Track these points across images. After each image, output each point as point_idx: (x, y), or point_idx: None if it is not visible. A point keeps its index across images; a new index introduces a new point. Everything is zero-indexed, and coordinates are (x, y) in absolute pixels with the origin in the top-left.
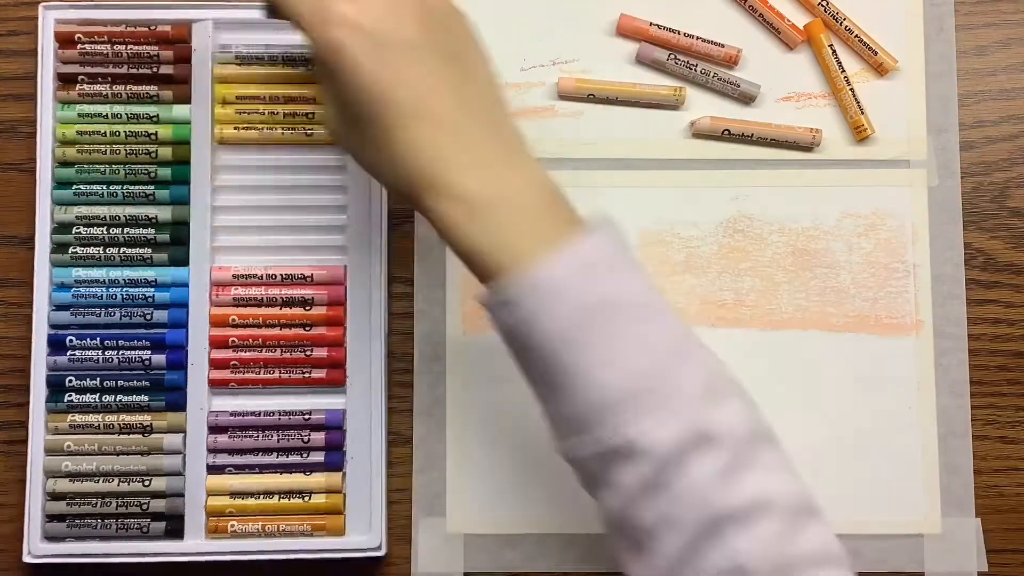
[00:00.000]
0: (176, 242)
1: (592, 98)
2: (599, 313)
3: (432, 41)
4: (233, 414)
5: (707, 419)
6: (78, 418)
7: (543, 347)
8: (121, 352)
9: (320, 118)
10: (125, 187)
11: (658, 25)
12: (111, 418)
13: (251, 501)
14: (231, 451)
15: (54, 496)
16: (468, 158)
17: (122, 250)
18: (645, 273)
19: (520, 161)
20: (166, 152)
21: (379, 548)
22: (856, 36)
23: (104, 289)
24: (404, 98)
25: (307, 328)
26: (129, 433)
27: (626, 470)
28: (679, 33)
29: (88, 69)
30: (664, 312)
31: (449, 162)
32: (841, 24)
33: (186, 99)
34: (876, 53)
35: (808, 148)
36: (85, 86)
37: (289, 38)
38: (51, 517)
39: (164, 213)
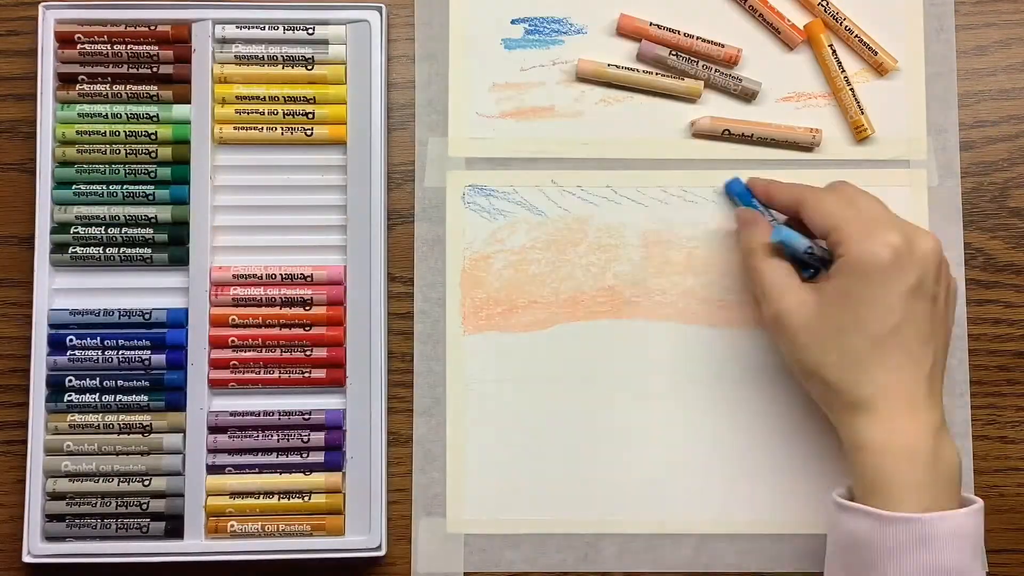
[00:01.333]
0: (176, 242)
1: (609, 85)
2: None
3: (937, 297)
4: (233, 414)
5: None
6: (78, 418)
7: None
8: (121, 352)
9: (762, 299)
10: (125, 187)
11: (658, 25)
12: (111, 418)
13: (251, 501)
14: (231, 451)
15: (54, 496)
16: (920, 405)
17: (122, 250)
18: (982, 557)
19: (946, 431)
20: (166, 152)
21: (379, 548)
22: (856, 36)
23: None
24: (907, 331)
25: (307, 328)
26: (129, 433)
27: None
28: (679, 33)
29: (88, 69)
30: None
31: (904, 398)
32: (841, 24)
33: (186, 99)
34: (876, 53)
35: (808, 148)
36: (85, 86)
37: (289, 38)
38: (51, 517)
39: (164, 213)
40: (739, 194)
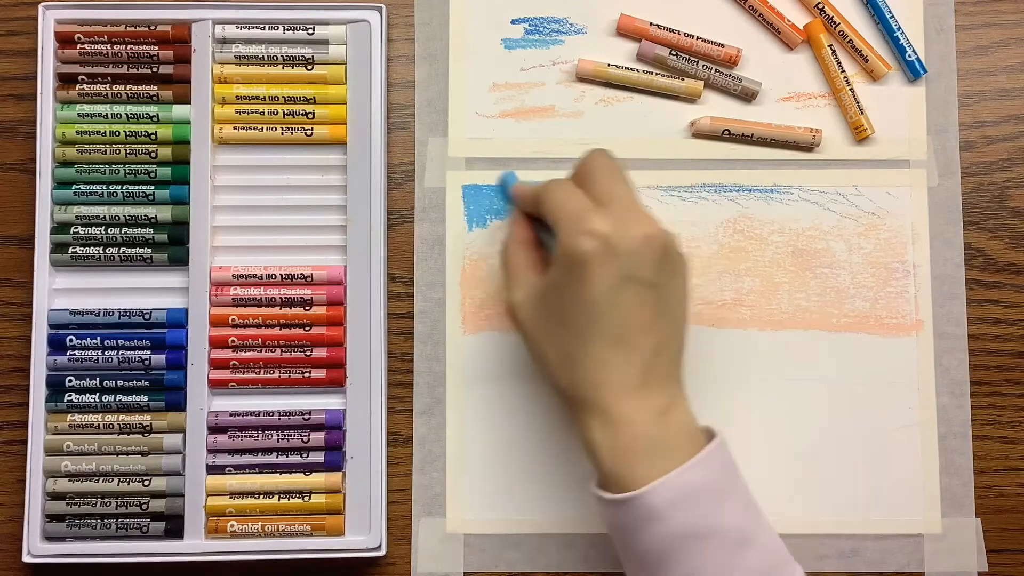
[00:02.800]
0: (176, 242)
1: (609, 85)
2: (692, 539)
3: (659, 283)
4: (233, 414)
5: None
6: (78, 418)
7: (639, 556)
8: (121, 352)
9: (503, 291)
10: (125, 187)
11: (658, 25)
12: (111, 418)
13: (251, 501)
14: (231, 451)
15: (54, 496)
16: (637, 394)
17: (122, 250)
18: (745, 498)
19: (675, 406)
20: (166, 152)
21: (379, 548)
22: (850, 41)
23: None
24: (616, 323)
25: (307, 328)
26: (129, 433)
27: None
28: (679, 33)
29: (88, 69)
30: (754, 542)
31: (618, 391)
32: (836, 28)
33: (186, 99)
34: (867, 60)
35: (808, 148)
36: (85, 86)
37: (289, 38)
38: (51, 517)
39: (164, 213)
40: (508, 192)
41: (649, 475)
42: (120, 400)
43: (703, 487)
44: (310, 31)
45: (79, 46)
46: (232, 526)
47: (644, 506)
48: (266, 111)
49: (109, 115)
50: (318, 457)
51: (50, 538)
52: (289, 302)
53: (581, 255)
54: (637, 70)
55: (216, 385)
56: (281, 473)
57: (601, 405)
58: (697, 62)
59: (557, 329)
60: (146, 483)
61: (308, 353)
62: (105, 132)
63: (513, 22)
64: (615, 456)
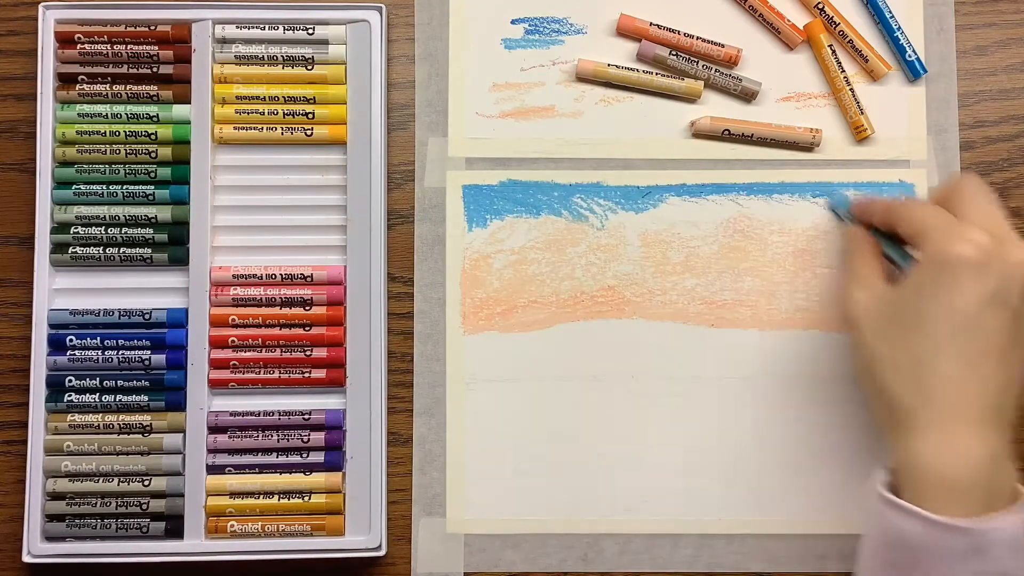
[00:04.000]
0: (176, 242)
1: (609, 85)
2: None
3: (1020, 313)
4: (233, 414)
5: None
6: (78, 418)
7: None
8: (121, 352)
9: (840, 288)
10: (125, 187)
11: (658, 25)
12: (111, 418)
13: (251, 501)
14: (231, 451)
15: (54, 496)
16: (982, 424)
17: (122, 250)
18: None
19: (1005, 442)
20: (166, 152)
21: (379, 548)
22: (850, 41)
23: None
24: (980, 343)
25: (307, 328)
26: (129, 433)
27: None
28: (679, 33)
29: (88, 69)
30: None
31: (969, 416)
32: (836, 28)
33: (186, 99)
34: (867, 60)
35: (808, 148)
36: (85, 86)
37: (289, 38)
38: (51, 517)
39: (164, 213)
40: (841, 212)
41: (979, 511)
42: (120, 400)
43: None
44: (310, 31)
45: (79, 46)
46: (232, 526)
47: (980, 540)
48: (266, 111)
49: (109, 115)
50: (318, 457)
51: (50, 538)
52: (289, 302)
53: (956, 259)
54: (637, 70)
55: (216, 385)
56: (281, 473)
57: (938, 424)
58: (697, 62)
59: (906, 334)
60: (146, 483)
61: (308, 353)
62: (105, 132)
63: (513, 22)
64: (942, 480)
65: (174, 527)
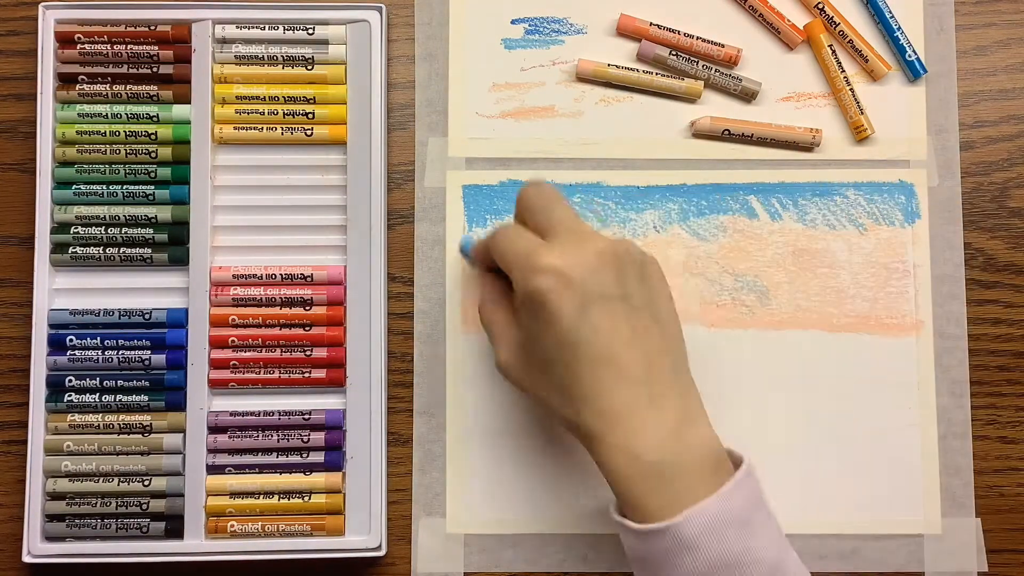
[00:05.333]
0: (176, 242)
1: (609, 85)
2: (725, 569)
3: (628, 294)
4: (233, 414)
5: None
6: (78, 418)
7: None
8: (121, 352)
9: (495, 352)
10: (125, 187)
11: (658, 25)
12: (111, 418)
13: (251, 501)
14: (231, 451)
15: (54, 496)
16: (645, 413)
17: (122, 250)
18: (775, 526)
19: (693, 420)
20: (166, 152)
21: (379, 548)
22: (850, 41)
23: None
24: (596, 346)
25: (307, 328)
26: (129, 433)
27: None
28: (679, 33)
29: (88, 69)
30: (784, 572)
31: (625, 415)
32: (836, 28)
33: (186, 99)
34: (867, 60)
35: (808, 148)
36: (85, 86)
37: (289, 38)
38: (51, 517)
39: (164, 213)
40: (467, 255)
41: (674, 503)
42: (120, 400)
43: (736, 516)
44: (310, 31)
45: (79, 46)
46: (232, 526)
47: (675, 537)
48: (266, 111)
49: (109, 115)
50: (318, 457)
51: (50, 538)
52: (289, 302)
53: (538, 294)
54: (637, 70)
55: (216, 385)
56: (281, 473)
57: (612, 432)
58: (697, 62)
59: (547, 372)
60: (146, 483)
61: (308, 353)
62: (105, 132)
63: (513, 22)
64: (636, 483)
65: (174, 527)
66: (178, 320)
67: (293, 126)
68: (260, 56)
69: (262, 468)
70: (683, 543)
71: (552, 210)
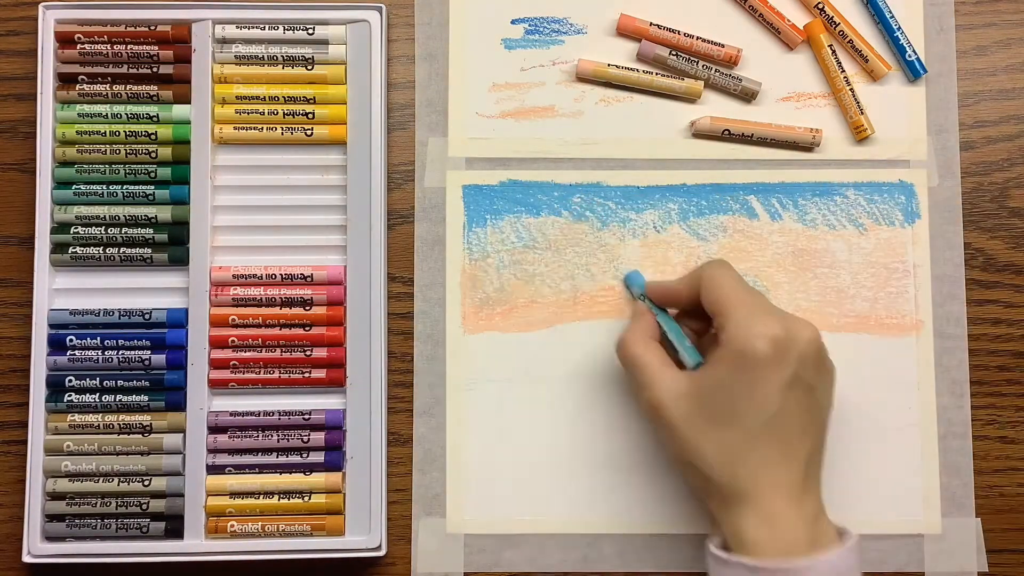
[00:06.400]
0: (176, 242)
1: (609, 85)
2: None
3: (815, 387)
4: (233, 414)
5: None
6: (78, 418)
7: None
8: (121, 352)
9: (644, 388)
10: (125, 187)
11: (658, 25)
12: (111, 418)
13: (251, 501)
14: (231, 451)
15: (54, 496)
16: (797, 495)
17: (122, 250)
18: None
19: (820, 502)
20: (166, 152)
21: (379, 548)
22: (850, 41)
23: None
24: (785, 425)
25: (307, 328)
26: (129, 433)
27: None
28: (679, 33)
29: (88, 69)
30: None
31: (783, 492)
32: (836, 28)
33: (186, 99)
34: (867, 60)
35: (808, 148)
36: (85, 86)
37: (289, 38)
38: (51, 517)
39: (164, 213)
40: (635, 286)
41: (796, 554)
42: (120, 400)
43: (847, 572)
44: (310, 31)
45: (79, 46)
46: (232, 526)
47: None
48: (266, 111)
49: (109, 115)
50: (318, 457)
51: (50, 538)
52: (289, 302)
53: (757, 354)
54: (637, 70)
55: (216, 385)
56: (281, 473)
57: (762, 503)
58: (697, 62)
59: (718, 426)
60: (146, 483)
61: (308, 353)
62: (105, 132)
63: (513, 22)
64: (771, 550)
65: (174, 527)
66: (178, 320)
67: (293, 126)
68: (260, 56)
69: (262, 468)
70: None
71: (758, 293)
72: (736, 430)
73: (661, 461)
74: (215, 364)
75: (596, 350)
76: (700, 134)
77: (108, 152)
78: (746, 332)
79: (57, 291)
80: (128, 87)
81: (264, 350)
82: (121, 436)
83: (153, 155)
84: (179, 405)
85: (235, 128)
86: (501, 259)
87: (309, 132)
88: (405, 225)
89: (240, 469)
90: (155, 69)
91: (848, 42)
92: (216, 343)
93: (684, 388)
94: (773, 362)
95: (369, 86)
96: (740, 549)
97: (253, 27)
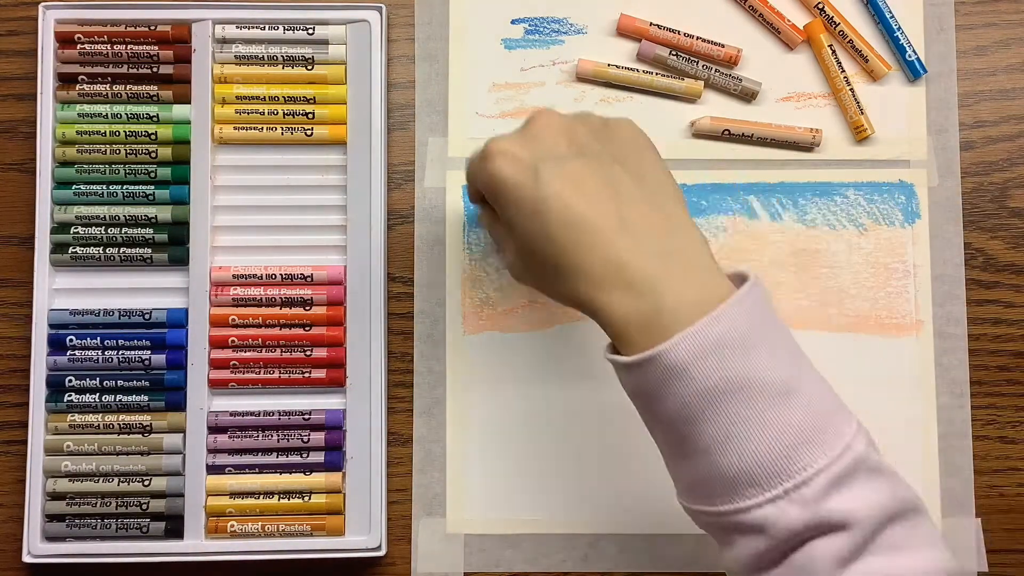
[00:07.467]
0: (176, 242)
1: (609, 85)
2: (724, 396)
3: (585, 152)
4: (233, 414)
5: (831, 507)
6: (78, 418)
7: (666, 422)
8: (121, 352)
9: (503, 264)
10: (125, 187)
11: (658, 25)
12: (111, 418)
13: (251, 501)
14: (231, 451)
15: (54, 496)
16: (633, 265)
17: (122, 250)
18: (783, 345)
19: (694, 263)
20: (166, 152)
21: (379, 548)
22: (850, 42)
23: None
24: (561, 208)
25: (307, 328)
26: (129, 433)
27: (744, 542)
28: (679, 33)
29: (88, 69)
30: (799, 391)
31: (611, 272)
32: (836, 28)
33: (186, 99)
34: (867, 60)
35: (808, 148)
36: (85, 86)
37: (289, 38)
38: (51, 517)
39: (164, 213)
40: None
41: (666, 333)
42: (120, 400)
43: (730, 337)
44: (310, 31)
45: (79, 46)
46: (232, 526)
47: (665, 364)
48: (266, 111)
49: (109, 115)
50: (318, 457)
51: (50, 538)
52: (289, 302)
53: (494, 178)
54: (637, 70)
55: (216, 385)
56: (281, 473)
57: (603, 290)
58: (697, 62)
59: (537, 256)
60: (146, 483)
61: (308, 353)
62: (105, 132)
63: (513, 22)
64: (631, 324)
65: (174, 527)
66: (178, 320)
67: (293, 126)
68: (260, 56)
69: (262, 468)
70: (673, 371)
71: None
72: (540, 247)
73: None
74: (215, 364)
75: (596, 350)
76: (700, 134)
77: (108, 152)
78: (479, 169)
79: (57, 291)
80: (128, 87)
81: (264, 350)
82: (121, 436)
83: (153, 155)
84: (179, 405)
85: (235, 128)
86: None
87: (309, 132)
88: (405, 225)
89: (240, 469)
90: (155, 69)
91: (848, 42)
92: (216, 343)
93: (514, 247)
94: (507, 169)
95: (369, 86)
96: (616, 335)
97: (253, 27)
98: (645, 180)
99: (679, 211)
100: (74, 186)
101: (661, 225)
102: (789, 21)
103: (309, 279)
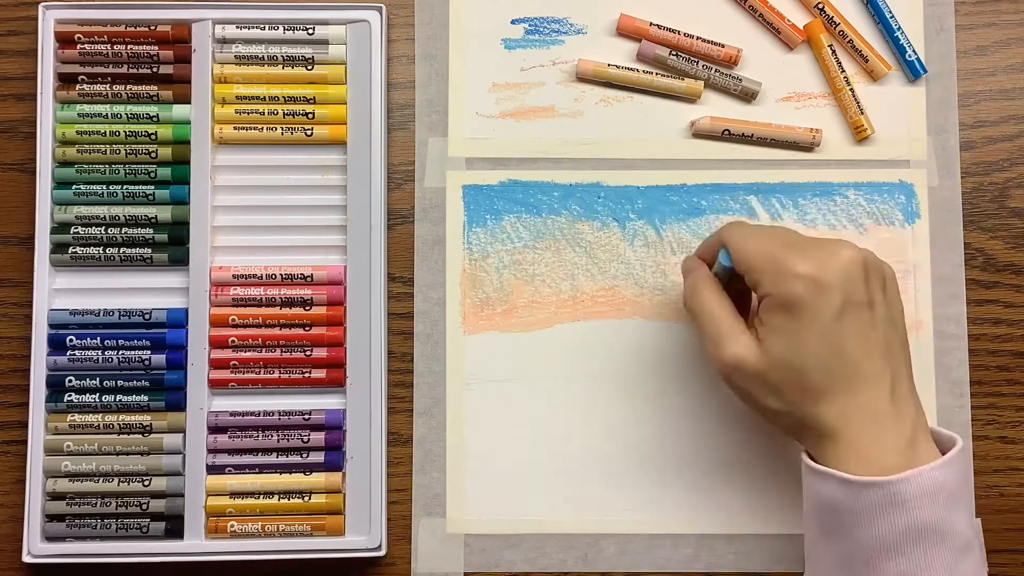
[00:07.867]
0: (176, 242)
1: (609, 85)
2: (927, 535)
3: (873, 302)
4: (233, 414)
5: None
6: (78, 418)
7: (862, 544)
8: (121, 352)
9: (721, 345)
10: (125, 187)
11: (658, 25)
12: (111, 418)
13: (251, 501)
14: (231, 451)
15: (54, 496)
16: (887, 421)
17: (122, 250)
18: (972, 505)
19: (924, 430)
20: (166, 152)
21: (379, 548)
22: (850, 41)
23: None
24: (851, 350)
25: (307, 328)
26: (129, 433)
27: None
28: (679, 33)
29: (88, 69)
30: (973, 551)
31: (868, 418)
32: (836, 28)
33: (186, 99)
34: (867, 60)
35: (808, 148)
36: (85, 86)
37: (289, 38)
38: (51, 517)
39: (164, 213)
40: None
41: (895, 467)
42: (120, 400)
43: (949, 486)
44: (310, 31)
45: (79, 46)
46: (232, 526)
47: (893, 492)
48: (266, 111)
49: (109, 115)
50: (318, 457)
51: (50, 538)
52: (289, 302)
53: (796, 298)
54: (637, 70)
55: (216, 385)
56: (281, 473)
57: (851, 439)
58: (697, 62)
59: (789, 372)
60: (146, 483)
61: (308, 353)
62: (105, 132)
63: (513, 22)
64: (893, 451)
65: (174, 527)
66: (178, 320)
67: (293, 126)
68: (260, 56)
69: (262, 468)
70: (896, 500)
71: (788, 230)
72: (807, 372)
73: (661, 460)
74: (215, 364)
75: (596, 350)
76: (700, 134)
77: (108, 152)
78: (779, 280)
79: (57, 291)
80: (128, 87)
81: (264, 350)
82: (121, 436)
83: (153, 155)
84: (179, 405)
85: (235, 128)
86: (501, 259)
87: (309, 132)
88: (405, 225)
89: (240, 469)
90: (155, 69)
91: (848, 42)
92: (216, 343)
93: (754, 342)
94: (813, 299)
95: (369, 86)
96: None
97: (253, 27)
98: (903, 341)
99: (913, 379)
100: (74, 186)
101: (911, 392)
102: (789, 21)
103: (309, 279)
